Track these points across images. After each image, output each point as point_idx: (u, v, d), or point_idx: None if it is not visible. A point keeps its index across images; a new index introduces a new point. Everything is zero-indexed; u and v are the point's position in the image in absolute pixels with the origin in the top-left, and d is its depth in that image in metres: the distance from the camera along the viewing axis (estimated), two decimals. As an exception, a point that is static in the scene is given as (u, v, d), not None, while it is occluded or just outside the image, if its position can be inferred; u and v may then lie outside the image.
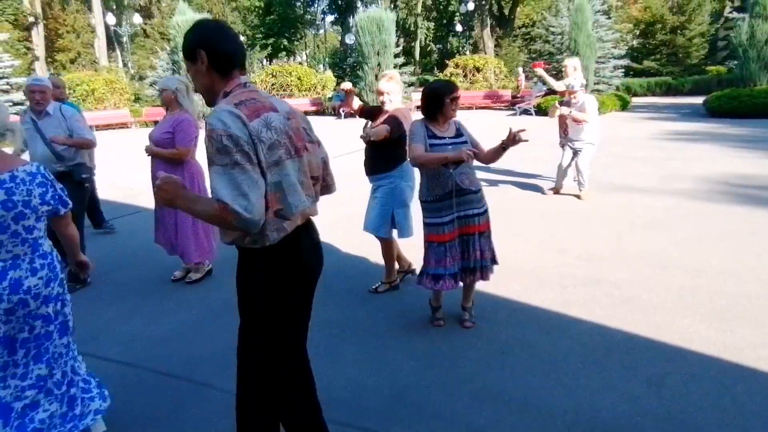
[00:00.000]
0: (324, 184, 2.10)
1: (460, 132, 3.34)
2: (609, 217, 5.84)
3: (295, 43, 44.60)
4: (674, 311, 3.60)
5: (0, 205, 2.01)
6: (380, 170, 3.93)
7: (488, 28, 32.22)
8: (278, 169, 1.75)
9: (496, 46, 32.86)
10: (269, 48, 39.34)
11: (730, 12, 25.19)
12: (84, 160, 4.55)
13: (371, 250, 4.65)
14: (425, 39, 42.90)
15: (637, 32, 29.19)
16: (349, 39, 23.75)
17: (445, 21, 41.86)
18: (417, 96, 21.73)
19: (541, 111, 18.18)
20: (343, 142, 12.04)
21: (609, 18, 22.68)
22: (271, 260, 1.80)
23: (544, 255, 4.79)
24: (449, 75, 22.01)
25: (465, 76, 22.60)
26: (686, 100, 21.05)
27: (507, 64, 25.10)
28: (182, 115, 4.21)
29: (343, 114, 19.95)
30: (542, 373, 2.93)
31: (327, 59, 37.36)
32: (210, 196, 1.68)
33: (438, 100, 3.23)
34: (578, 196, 6.76)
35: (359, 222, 4.19)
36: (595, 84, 18.46)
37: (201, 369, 3.10)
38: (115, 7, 37.10)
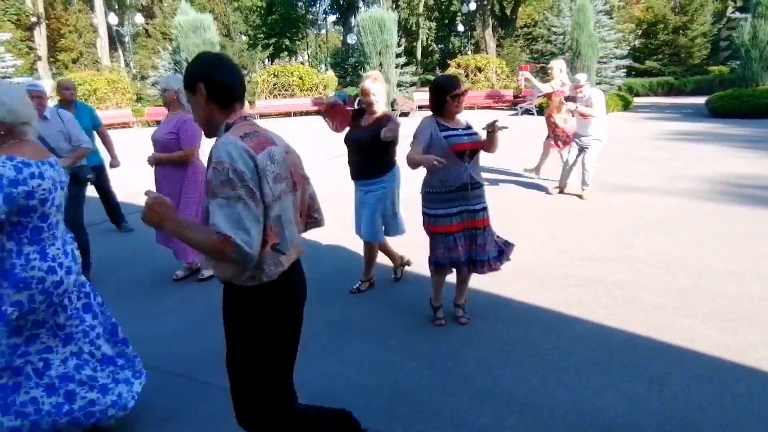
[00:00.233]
0: (313, 219, 2.13)
1: (470, 125, 3.42)
2: (611, 218, 5.84)
3: (297, 43, 44.62)
4: (676, 312, 3.59)
5: (60, 185, 2.15)
6: (374, 175, 3.83)
7: (490, 28, 32.19)
8: (280, 202, 1.76)
9: (497, 46, 32.82)
10: (271, 48, 39.39)
11: (733, 12, 25.19)
12: (83, 162, 4.57)
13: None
14: (427, 39, 42.86)
15: (639, 32, 29.13)
16: (351, 39, 23.77)
17: (446, 21, 41.83)
18: (418, 96, 21.76)
19: (543, 111, 18.16)
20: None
21: (611, 18, 22.66)
22: (263, 297, 1.78)
23: (546, 255, 4.78)
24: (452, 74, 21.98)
25: (467, 76, 22.57)
26: (688, 100, 21.00)
27: (509, 64, 25.05)
28: (185, 116, 4.20)
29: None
30: (543, 373, 2.92)
31: (329, 59, 37.42)
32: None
33: (440, 97, 3.30)
34: (580, 196, 6.74)
35: (360, 222, 4.19)
36: (597, 84, 18.40)
37: (203, 367, 3.10)
38: (117, 6, 37.17)
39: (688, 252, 4.68)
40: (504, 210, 5.89)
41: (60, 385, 2.34)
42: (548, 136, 7.74)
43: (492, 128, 3.24)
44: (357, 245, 5.03)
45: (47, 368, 2.32)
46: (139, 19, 31.80)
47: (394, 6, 34.13)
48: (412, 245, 4.63)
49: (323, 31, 48.78)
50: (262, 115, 20.86)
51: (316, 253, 4.68)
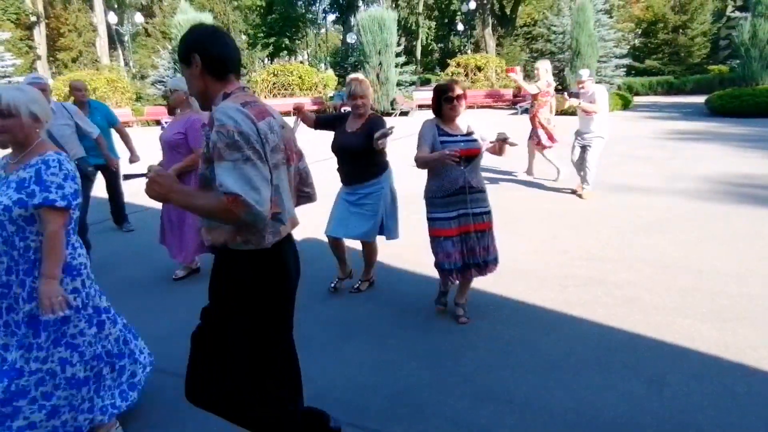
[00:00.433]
0: (305, 194, 2.12)
1: (471, 131, 3.40)
2: (611, 217, 5.83)
3: (297, 42, 44.59)
4: (676, 311, 3.59)
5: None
6: (369, 177, 3.76)
7: (490, 28, 32.15)
8: (277, 172, 1.77)
9: (497, 45, 32.80)
10: (271, 47, 39.36)
11: (733, 11, 25.15)
12: (83, 154, 4.69)
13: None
14: (427, 38, 42.86)
15: (639, 31, 29.15)
16: (351, 38, 23.76)
17: (446, 20, 41.82)
18: (418, 95, 21.75)
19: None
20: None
21: (611, 17, 22.67)
22: (258, 263, 1.77)
23: (546, 255, 4.78)
24: (451, 74, 21.97)
25: (466, 75, 22.56)
26: (688, 99, 21.00)
27: (509, 64, 25.03)
28: (193, 116, 4.21)
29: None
30: (543, 373, 2.92)
31: (328, 58, 37.35)
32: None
33: (436, 100, 3.37)
34: (580, 196, 6.74)
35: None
36: (597, 83, 18.43)
37: (202, 368, 3.10)
38: (116, 6, 37.13)
39: (688, 252, 4.68)
40: (504, 210, 5.89)
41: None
42: (530, 137, 7.89)
43: (502, 141, 3.27)
44: (356, 243, 5.03)
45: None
46: (139, 18, 31.77)
47: (394, 5, 34.11)
48: (412, 246, 4.64)
49: (323, 31, 48.72)
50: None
51: (315, 252, 4.68)
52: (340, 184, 3.93)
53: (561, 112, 17.10)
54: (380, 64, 20.17)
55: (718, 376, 2.83)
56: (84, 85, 5.80)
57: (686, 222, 5.55)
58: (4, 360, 2.20)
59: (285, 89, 23.08)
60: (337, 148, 3.79)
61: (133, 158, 5.88)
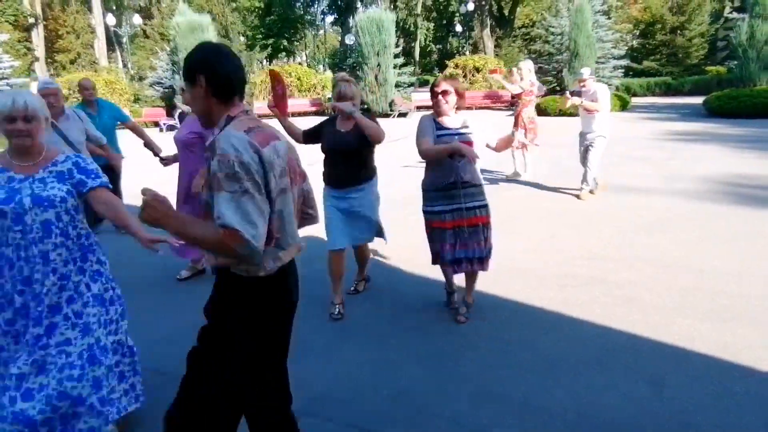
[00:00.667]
0: (308, 215, 2.08)
1: (466, 124, 3.49)
2: (610, 217, 5.84)
3: (295, 43, 44.63)
4: (675, 311, 3.59)
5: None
6: (360, 181, 3.64)
7: (488, 29, 32.22)
8: (282, 197, 1.73)
9: (496, 46, 32.86)
10: (269, 48, 39.38)
11: (730, 12, 25.19)
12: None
13: (371, 251, 4.65)
14: (425, 39, 42.94)
15: (637, 32, 29.18)
16: (349, 39, 23.74)
17: (444, 21, 41.91)
18: (416, 96, 21.76)
19: (541, 111, 18.17)
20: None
21: (609, 18, 22.68)
22: (259, 289, 1.74)
23: (545, 254, 4.78)
24: (449, 75, 22.00)
25: (465, 76, 22.58)
26: (686, 100, 21.04)
27: (507, 65, 25.06)
28: None
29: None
30: (543, 373, 2.92)
31: (327, 60, 37.41)
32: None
33: (431, 96, 3.52)
34: (578, 196, 6.74)
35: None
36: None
37: (201, 369, 3.09)
38: (115, 7, 37.09)
39: (688, 252, 4.69)
40: (503, 209, 5.89)
41: None
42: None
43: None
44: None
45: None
46: (137, 20, 31.77)
47: (392, 6, 34.14)
48: (412, 247, 4.64)
49: (321, 32, 48.78)
50: (260, 116, 20.73)
51: (312, 252, 4.67)
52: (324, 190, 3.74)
53: (561, 113, 17.22)
54: (379, 65, 20.17)
55: (718, 376, 2.83)
56: (92, 83, 5.81)
57: (686, 222, 5.55)
58: (65, 353, 2.27)
59: (283, 90, 23.04)
60: (330, 147, 3.63)
61: (156, 150, 5.92)
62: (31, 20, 34.02)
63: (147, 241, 2.37)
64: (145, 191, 1.63)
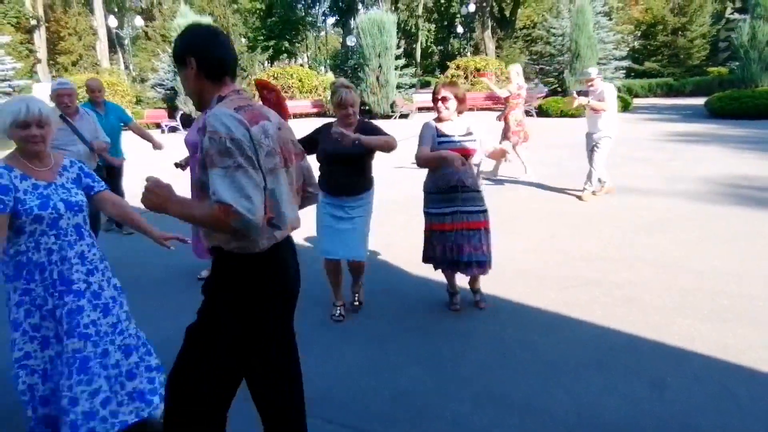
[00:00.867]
0: (309, 194, 2.06)
1: (470, 131, 3.53)
2: (611, 218, 5.83)
3: (297, 45, 44.69)
4: (676, 312, 3.59)
5: None
6: (359, 190, 3.52)
7: (489, 30, 32.23)
8: (273, 177, 1.72)
9: (497, 47, 32.87)
10: (270, 50, 39.44)
11: (732, 13, 25.20)
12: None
13: (371, 253, 4.65)
14: (426, 41, 42.97)
15: (639, 33, 29.19)
16: (351, 41, 23.77)
17: (446, 23, 41.94)
18: (417, 98, 21.76)
19: (543, 112, 18.19)
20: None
21: (610, 19, 22.70)
22: (252, 266, 1.73)
23: (545, 255, 4.78)
24: (450, 76, 22.01)
25: (466, 77, 22.59)
26: (688, 101, 21.02)
27: (508, 66, 25.12)
28: None
29: None
30: (544, 375, 2.92)
31: (328, 61, 37.42)
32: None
33: (432, 102, 3.58)
34: (579, 197, 6.73)
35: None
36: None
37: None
38: (116, 9, 37.19)
39: (688, 252, 4.68)
40: (504, 210, 5.89)
41: None
42: (504, 138, 8.10)
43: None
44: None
45: None
46: (139, 21, 31.89)
47: (394, 8, 34.18)
48: (413, 248, 4.62)
49: (323, 33, 48.84)
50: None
51: (314, 253, 4.67)
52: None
53: (562, 113, 17.21)
54: (380, 66, 20.19)
55: (719, 377, 2.82)
56: (99, 84, 5.81)
57: (686, 222, 5.55)
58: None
59: (285, 92, 23.08)
60: (328, 155, 3.44)
61: (156, 146, 5.96)
62: (33, 22, 34.10)
63: (160, 237, 2.47)
64: (148, 178, 1.66)
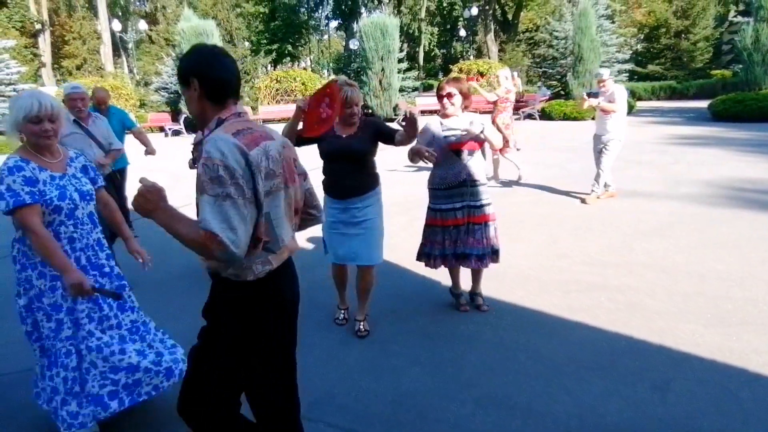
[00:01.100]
0: (311, 216, 2.05)
1: (475, 126, 3.56)
2: (613, 222, 5.82)
3: (300, 48, 44.82)
4: (679, 316, 3.58)
5: None
6: (366, 189, 3.37)
7: (492, 33, 32.25)
8: (270, 199, 1.71)
9: (499, 50, 32.88)
10: (274, 54, 39.51)
11: (735, 16, 25.19)
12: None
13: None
14: (429, 44, 42.97)
15: (642, 36, 29.15)
16: (353, 44, 23.81)
17: (448, 26, 41.98)
18: (420, 101, 21.78)
19: (546, 115, 18.18)
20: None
21: (613, 22, 22.70)
22: (248, 293, 1.73)
23: (547, 259, 4.77)
24: (456, 72, 22.03)
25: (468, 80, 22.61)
26: (691, 104, 20.98)
27: (511, 69, 25.11)
28: None
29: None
30: (546, 379, 2.91)
31: (331, 64, 37.53)
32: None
33: (437, 99, 3.63)
34: (583, 200, 6.72)
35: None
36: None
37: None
38: (120, 13, 37.39)
39: (690, 256, 4.67)
40: (505, 214, 5.88)
41: None
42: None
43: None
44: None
45: None
46: (143, 25, 31.97)
47: (396, 11, 34.27)
48: (415, 251, 4.63)
49: (326, 37, 48.95)
50: (265, 121, 20.91)
51: (316, 258, 4.68)
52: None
53: (565, 116, 17.19)
54: (383, 69, 20.23)
55: (722, 381, 2.81)
56: (107, 95, 5.82)
57: (689, 226, 5.53)
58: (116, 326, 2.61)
59: (288, 95, 23.16)
60: (332, 154, 3.32)
61: (149, 151, 5.99)
62: (38, 26, 34.29)
63: (132, 250, 2.74)
64: (142, 180, 1.64)
